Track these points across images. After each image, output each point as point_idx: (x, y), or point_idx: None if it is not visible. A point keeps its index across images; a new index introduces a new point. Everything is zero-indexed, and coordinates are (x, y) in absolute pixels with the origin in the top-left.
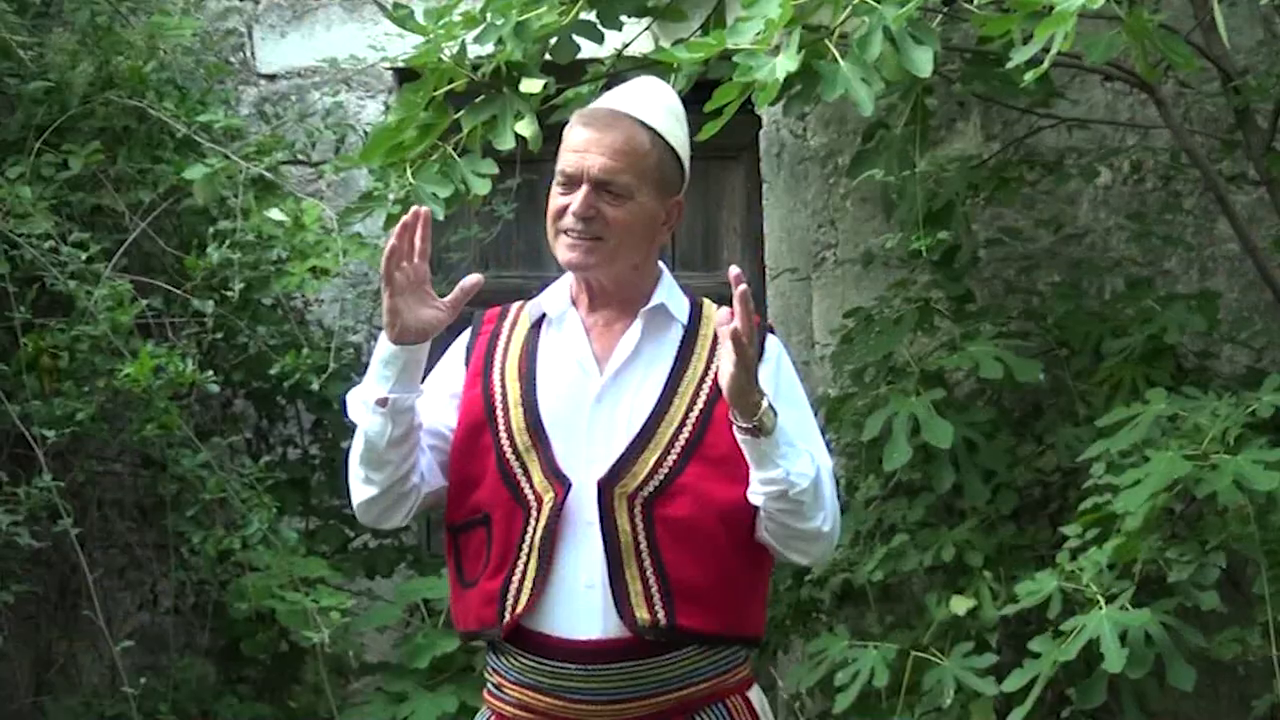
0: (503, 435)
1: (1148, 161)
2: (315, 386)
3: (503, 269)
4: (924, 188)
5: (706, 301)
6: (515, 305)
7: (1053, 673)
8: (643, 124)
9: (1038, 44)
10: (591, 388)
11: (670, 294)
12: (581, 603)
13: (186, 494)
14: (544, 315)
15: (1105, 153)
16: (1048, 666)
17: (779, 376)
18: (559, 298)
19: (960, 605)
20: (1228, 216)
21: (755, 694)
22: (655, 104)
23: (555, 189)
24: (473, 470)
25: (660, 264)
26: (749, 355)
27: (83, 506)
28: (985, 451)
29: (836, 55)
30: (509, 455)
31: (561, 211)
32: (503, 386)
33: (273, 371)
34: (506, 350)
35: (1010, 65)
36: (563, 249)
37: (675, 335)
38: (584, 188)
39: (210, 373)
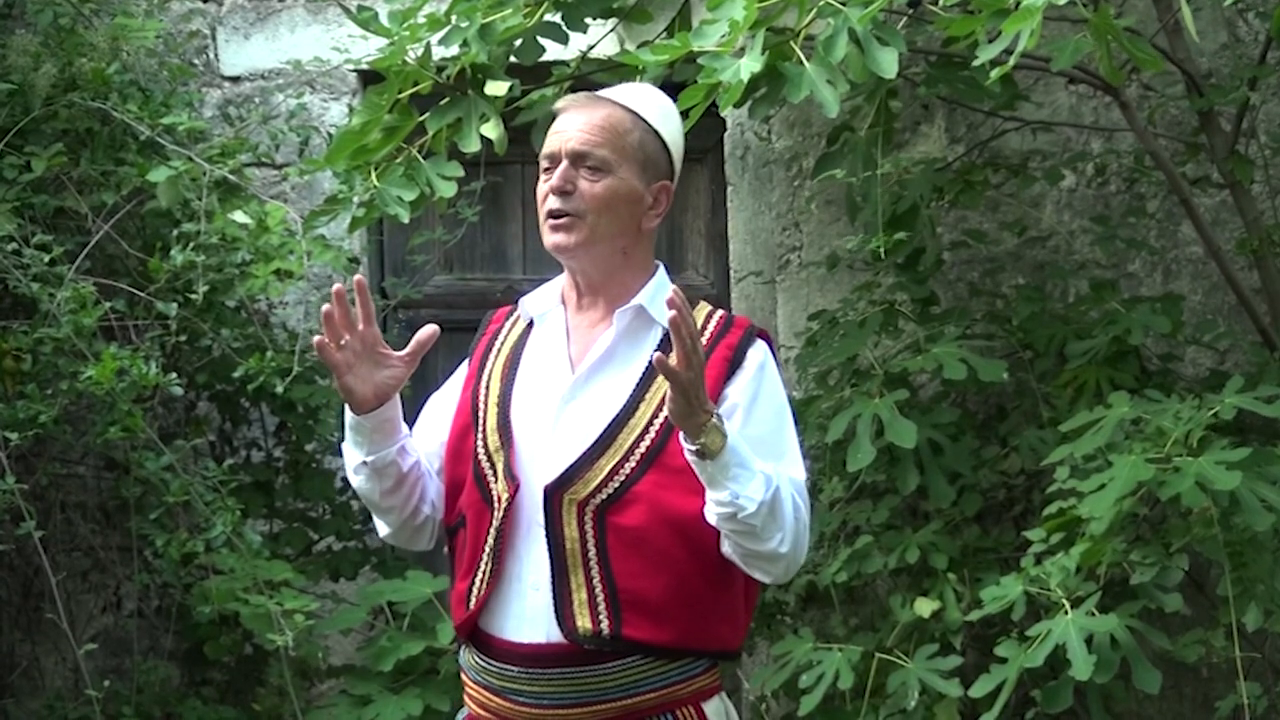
0: (479, 436)
1: (1112, 164)
2: (279, 389)
3: (467, 271)
4: (888, 190)
5: (701, 303)
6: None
7: (1018, 678)
8: (624, 107)
9: (1003, 42)
10: (561, 386)
11: (656, 295)
12: (528, 605)
13: (150, 497)
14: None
15: (1070, 156)
16: (1014, 672)
17: (760, 385)
18: (547, 297)
19: (925, 607)
20: (1192, 219)
21: (714, 705)
22: (642, 95)
23: (540, 179)
24: (459, 473)
25: (658, 263)
26: (682, 380)
27: (46, 509)
28: (950, 453)
29: (802, 57)
30: (481, 455)
31: (545, 197)
32: (487, 387)
33: (237, 374)
34: (500, 351)
35: (976, 64)
36: (546, 234)
37: (654, 339)
38: (562, 163)
39: (174, 375)
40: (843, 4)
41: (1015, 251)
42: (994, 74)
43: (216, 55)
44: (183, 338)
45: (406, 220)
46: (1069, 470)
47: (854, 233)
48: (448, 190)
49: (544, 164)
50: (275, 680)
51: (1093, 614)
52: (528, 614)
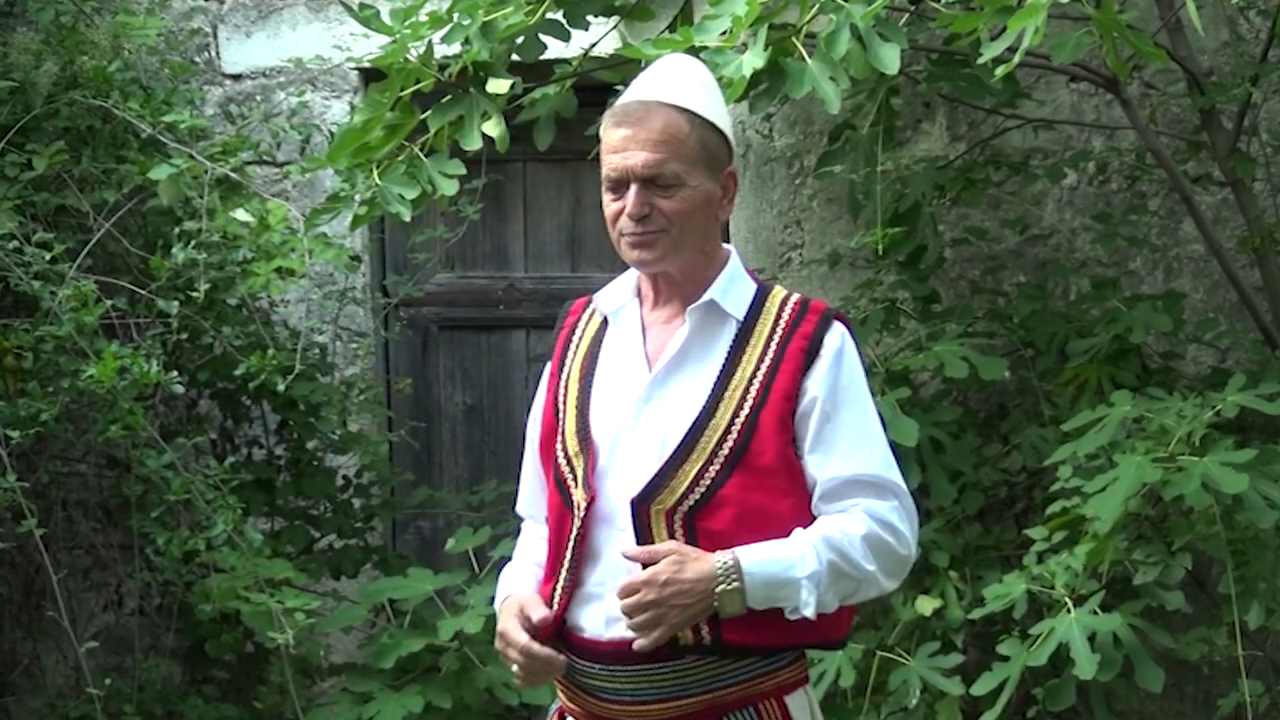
0: (561, 439)
1: (1113, 162)
2: (281, 387)
3: (469, 269)
4: (890, 188)
5: (776, 289)
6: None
7: (1020, 676)
8: (676, 107)
9: (1007, 39)
10: (638, 387)
11: (729, 287)
12: (609, 604)
13: (151, 495)
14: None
15: (1071, 154)
16: (1017, 670)
17: (837, 377)
18: (619, 293)
19: (926, 605)
20: (1193, 217)
21: (797, 698)
22: (683, 83)
23: (606, 195)
24: (545, 475)
25: (728, 249)
26: (667, 630)
27: (47, 507)
28: (951, 451)
29: (804, 53)
30: (561, 460)
31: (616, 216)
32: (566, 389)
33: (238, 372)
34: (578, 349)
35: (980, 61)
36: (626, 250)
37: (728, 333)
38: (633, 187)
39: (175, 373)
40: (845, 0)
41: (1017, 249)
42: (999, 71)
43: (218, 53)
44: (184, 336)
45: (408, 218)
46: (1071, 469)
47: (856, 231)
48: (449, 188)
49: (607, 184)
50: (276, 678)
51: (1096, 613)
52: (608, 614)
